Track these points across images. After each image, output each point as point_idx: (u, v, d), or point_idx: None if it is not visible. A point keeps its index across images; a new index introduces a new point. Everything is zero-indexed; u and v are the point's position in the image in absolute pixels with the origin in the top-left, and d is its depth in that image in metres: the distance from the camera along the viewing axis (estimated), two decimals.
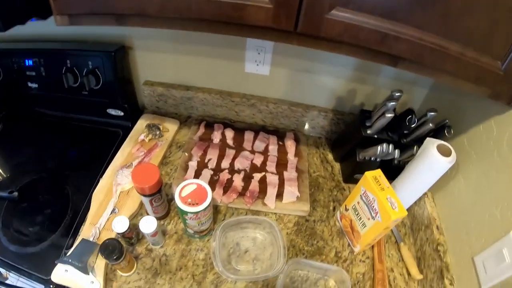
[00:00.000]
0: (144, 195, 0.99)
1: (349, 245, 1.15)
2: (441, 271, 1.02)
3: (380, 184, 1.01)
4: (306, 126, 1.45)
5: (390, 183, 1.19)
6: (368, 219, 1.03)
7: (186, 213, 0.93)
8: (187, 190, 0.95)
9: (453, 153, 1.02)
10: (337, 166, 1.39)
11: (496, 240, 0.86)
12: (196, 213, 0.93)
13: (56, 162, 1.25)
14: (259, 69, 1.27)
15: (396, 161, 1.22)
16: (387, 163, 1.21)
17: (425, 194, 1.18)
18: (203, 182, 0.97)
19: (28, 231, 1.06)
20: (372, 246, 1.15)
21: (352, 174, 1.28)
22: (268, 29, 0.75)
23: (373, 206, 1.00)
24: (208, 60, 1.28)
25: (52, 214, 1.11)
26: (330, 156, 1.42)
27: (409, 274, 1.11)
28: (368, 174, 1.03)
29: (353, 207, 1.09)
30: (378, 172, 1.04)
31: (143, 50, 1.27)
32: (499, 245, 0.85)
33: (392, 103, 1.07)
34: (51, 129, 1.36)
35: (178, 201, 0.93)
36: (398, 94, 1.08)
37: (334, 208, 1.24)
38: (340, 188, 1.31)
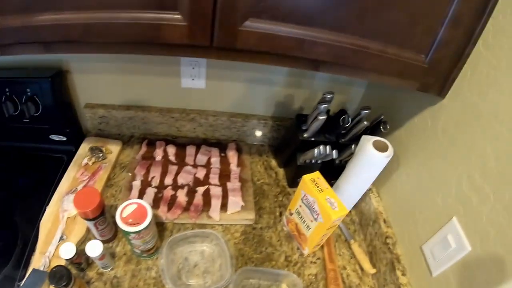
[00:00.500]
0: (88, 219, 0.98)
1: (298, 248, 1.16)
2: (392, 263, 1.04)
3: (318, 186, 1.03)
4: (259, 134, 1.46)
5: (334, 183, 1.23)
6: (311, 221, 1.05)
7: (128, 233, 0.93)
8: (128, 210, 0.95)
9: (390, 147, 1.05)
10: (281, 171, 1.41)
11: (440, 227, 0.90)
12: (138, 232, 0.93)
13: (2, 192, 1.21)
14: (195, 83, 1.28)
15: (337, 161, 1.24)
16: (329, 164, 1.23)
17: (369, 190, 1.21)
18: (143, 201, 0.97)
19: None
20: (322, 247, 1.17)
21: (295, 178, 1.29)
22: (186, 46, 0.77)
23: (314, 208, 1.02)
24: (145, 78, 1.28)
25: (2, 246, 1.07)
26: (273, 163, 1.44)
27: (362, 269, 1.14)
28: (306, 177, 1.05)
29: (296, 211, 1.11)
30: (316, 174, 1.06)
31: (81, 73, 1.26)
32: (444, 232, 0.88)
33: (324, 106, 1.10)
34: None
35: (119, 222, 0.92)
36: (330, 96, 1.11)
37: (280, 214, 1.25)
38: (286, 193, 1.33)
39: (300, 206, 1.09)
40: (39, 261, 1.00)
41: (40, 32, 0.71)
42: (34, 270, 0.97)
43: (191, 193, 1.23)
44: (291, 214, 1.15)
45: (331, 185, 1.25)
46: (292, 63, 0.84)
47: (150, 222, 0.94)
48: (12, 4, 0.68)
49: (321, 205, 0.99)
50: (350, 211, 1.29)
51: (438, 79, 0.88)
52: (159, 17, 0.70)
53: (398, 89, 1.12)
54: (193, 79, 1.26)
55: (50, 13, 0.69)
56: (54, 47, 0.77)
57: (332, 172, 1.23)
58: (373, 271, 1.12)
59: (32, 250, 1.04)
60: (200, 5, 0.68)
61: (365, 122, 1.11)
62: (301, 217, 1.10)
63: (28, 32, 0.71)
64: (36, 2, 0.68)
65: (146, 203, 0.96)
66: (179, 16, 0.70)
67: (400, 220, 1.10)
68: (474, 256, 0.79)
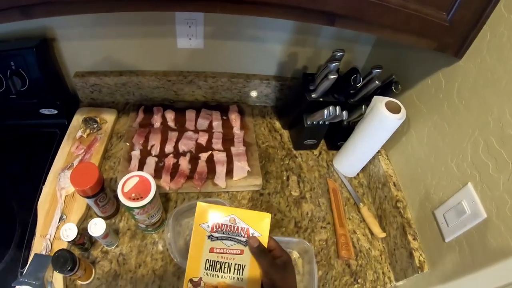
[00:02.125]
0: (87, 197, 0.92)
1: (307, 213, 1.13)
2: (403, 227, 1.02)
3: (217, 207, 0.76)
4: (254, 94, 1.39)
5: (342, 144, 1.18)
6: (240, 252, 0.73)
7: (132, 209, 0.87)
8: (130, 184, 0.89)
9: (403, 109, 1.00)
10: (286, 133, 1.36)
11: (454, 192, 0.87)
12: (143, 207, 0.87)
13: None
14: (193, 43, 1.19)
15: (345, 123, 1.19)
16: (337, 125, 1.19)
17: (378, 152, 1.17)
18: (145, 173, 0.91)
19: None
20: (332, 211, 1.14)
21: (302, 141, 1.24)
22: None
23: (237, 228, 0.74)
24: (138, 41, 1.19)
25: (0, 234, 1.03)
26: (278, 124, 1.39)
27: (372, 233, 1.12)
28: (201, 205, 0.75)
29: (208, 264, 0.73)
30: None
31: (68, 40, 1.16)
32: (458, 197, 0.85)
33: (334, 64, 1.02)
34: None
35: (121, 198, 0.86)
36: (340, 54, 1.04)
37: (288, 178, 1.22)
38: (292, 156, 1.28)
39: (213, 249, 0.73)
40: (41, 245, 0.95)
41: None
42: (36, 255, 0.92)
43: (194, 160, 1.17)
44: (196, 285, 0.72)
45: (339, 147, 1.22)
46: (304, 17, 0.76)
47: (154, 195, 0.88)
48: None
49: (246, 216, 0.74)
50: (357, 174, 1.26)
51: (457, 39, 0.82)
52: None
53: (410, 48, 1.06)
54: (190, 39, 1.17)
55: None
56: (31, 11, 0.69)
57: (340, 133, 1.19)
58: (383, 235, 1.10)
59: (32, 233, 0.99)
60: None
61: (376, 82, 1.05)
62: (221, 267, 0.73)
63: None
64: None
65: (148, 175, 0.90)
66: None
67: (411, 184, 1.07)
68: (489, 224, 0.76)
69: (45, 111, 1.24)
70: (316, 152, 1.31)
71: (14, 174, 1.16)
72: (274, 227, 1.08)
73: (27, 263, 0.93)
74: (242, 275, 0.72)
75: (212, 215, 0.74)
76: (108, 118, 1.27)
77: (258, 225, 0.74)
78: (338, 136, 1.21)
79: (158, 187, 1.07)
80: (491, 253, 0.75)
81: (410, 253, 0.97)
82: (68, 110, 1.27)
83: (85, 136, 1.19)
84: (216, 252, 0.73)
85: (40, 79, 1.14)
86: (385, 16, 0.75)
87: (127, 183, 0.89)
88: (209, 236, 0.73)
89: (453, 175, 0.87)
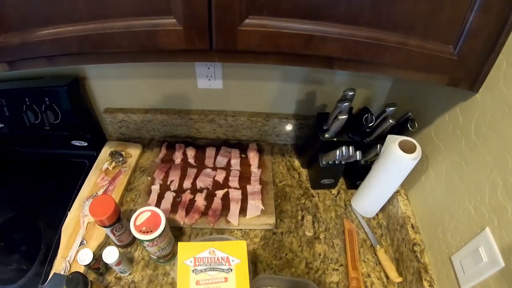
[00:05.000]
0: (104, 226, 0.98)
1: (320, 254, 1.10)
2: (419, 273, 0.96)
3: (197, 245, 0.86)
4: (289, 128, 1.39)
5: (359, 184, 1.16)
6: (225, 280, 0.81)
7: (142, 241, 0.92)
8: (142, 218, 0.94)
9: (418, 148, 0.96)
10: (304, 172, 1.35)
11: (472, 237, 0.81)
12: (152, 240, 0.91)
13: (28, 198, 1.26)
14: (212, 83, 1.24)
15: (362, 162, 1.16)
16: (354, 164, 1.16)
17: (397, 192, 1.13)
18: (157, 208, 0.95)
19: (7, 270, 1.07)
20: (346, 253, 1.10)
21: (319, 180, 1.23)
22: (185, 51, 0.73)
23: (218, 259, 0.83)
24: (162, 81, 1.26)
25: (27, 251, 1.12)
26: (296, 163, 1.38)
27: (387, 277, 1.06)
28: (182, 244, 0.86)
29: None
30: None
31: (98, 79, 1.27)
32: (475, 243, 0.79)
33: (345, 104, 1.02)
34: (20, 166, 1.37)
35: (133, 230, 0.92)
36: (351, 93, 1.03)
37: (303, 217, 1.20)
38: (309, 195, 1.27)
39: (198, 282, 0.81)
40: (60, 265, 1.03)
41: (40, 47, 0.72)
42: (55, 274, 1.00)
43: (210, 197, 1.20)
44: None
45: (357, 186, 1.19)
46: (302, 62, 0.77)
47: (163, 230, 0.92)
48: (10, 22, 0.68)
49: (223, 246, 0.84)
50: (377, 214, 1.22)
51: (469, 72, 0.77)
52: (153, 23, 0.67)
53: (428, 83, 1.03)
54: (209, 79, 1.23)
55: (47, 28, 0.69)
56: (56, 60, 0.77)
57: (358, 172, 1.17)
58: (399, 279, 1.04)
59: (55, 254, 1.07)
60: (193, 6, 0.63)
61: (390, 121, 1.02)
62: None
63: (30, 48, 0.72)
64: (33, 18, 0.67)
65: (160, 210, 0.95)
66: (173, 20, 0.66)
67: (429, 226, 1.01)
68: (507, 273, 0.70)
69: (76, 142, 1.35)
70: (334, 191, 1.28)
71: (45, 198, 1.26)
72: (284, 266, 1.07)
73: (47, 279, 1.01)
74: None
75: (193, 251, 0.83)
76: (133, 152, 1.34)
77: (236, 252, 0.83)
78: (356, 175, 1.18)
79: (173, 221, 1.12)
80: None
81: None
82: (97, 143, 1.37)
83: (110, 168, 1.27)
84: (203, 284, 0.80)
85: (71, 114, 1.25)
86: (385, 55, 0.72)
87: (139, 217, 0.95)
88: (193, 270, 0.82)
89: (471, 218, 0.82)
